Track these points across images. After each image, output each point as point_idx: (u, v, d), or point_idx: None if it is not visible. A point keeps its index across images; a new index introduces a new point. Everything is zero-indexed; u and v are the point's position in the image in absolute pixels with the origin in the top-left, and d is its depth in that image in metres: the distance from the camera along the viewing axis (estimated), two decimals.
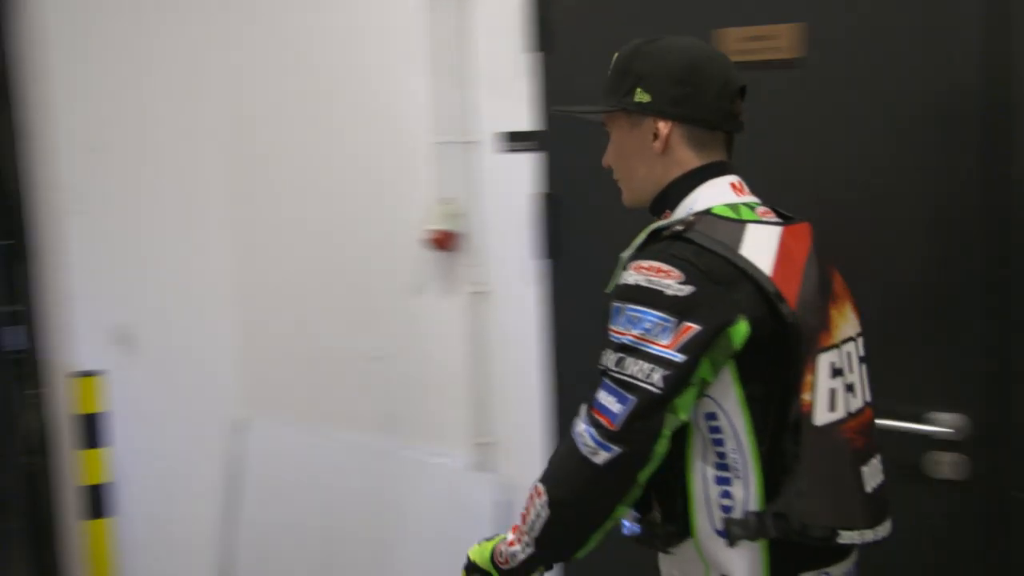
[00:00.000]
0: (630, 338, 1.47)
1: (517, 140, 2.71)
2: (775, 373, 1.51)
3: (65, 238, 3.50)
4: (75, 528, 3.55)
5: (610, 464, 1.44)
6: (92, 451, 3.36)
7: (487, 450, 2.89)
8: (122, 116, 3.45)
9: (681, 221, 1.55)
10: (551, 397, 2.74)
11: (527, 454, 2.75)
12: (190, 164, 3.45)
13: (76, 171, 3.47)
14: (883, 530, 1.57)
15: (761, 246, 1.52)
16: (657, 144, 1.62)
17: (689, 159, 1.62)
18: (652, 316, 1.46)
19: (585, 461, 1.46)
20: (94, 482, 3.38)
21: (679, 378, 1.45)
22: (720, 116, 1.62)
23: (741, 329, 1.46)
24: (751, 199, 1.65)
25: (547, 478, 1.52)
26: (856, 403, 1.59)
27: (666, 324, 1.45)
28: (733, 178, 1.65)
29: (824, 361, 1.53)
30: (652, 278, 1.48)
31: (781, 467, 1.50)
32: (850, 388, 1.58)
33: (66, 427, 3.50)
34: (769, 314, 1.48)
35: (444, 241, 2.84)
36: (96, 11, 3.41)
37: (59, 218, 3.48)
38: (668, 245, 1.52)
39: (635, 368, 1.46)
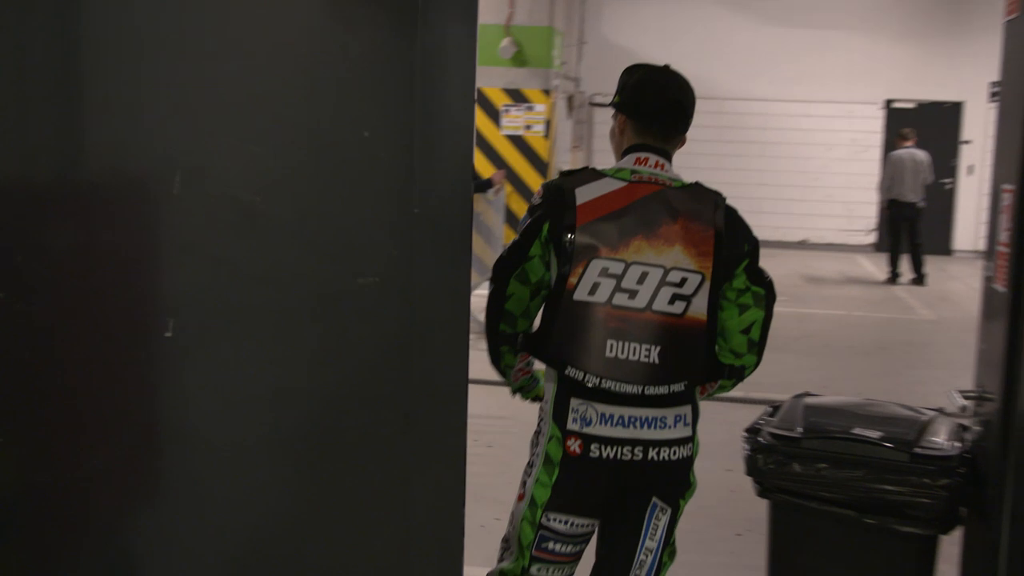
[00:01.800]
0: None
1: None
2: (561, 259, 2.50)
3: None
4: None
5: (491, 293, 2.63)
6: None
7: None
8: None
9: (573, 169, 2.68)
10: None
11: None
12: None
13: None
14: (621, 387, 2.46)
15: (593, 189, 2.51)
16: (619, 128, 2.72)
17: (629, 140, 2.68)
18: (525, 217, 2.60)
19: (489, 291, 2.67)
20: None
21: (517, 247, 2.59)
22: (647, 116, 2.67)
23: (546, 226, 2.53)
24: (642, 168, 2.59)
25: None
26: (630, 301, 2.46)
27: (524, 218, 2.59)
28: (644, 154, 2.62)
29: (597, 263, 2.46)
30: (535, 195, 2.63)
31: (551, 317, 2.53)
32: (624, 289, 2.46)
33: None
34: (563, 221, 2.49)
35: None
36: None
37: None
38: (554, 179, 2.66)
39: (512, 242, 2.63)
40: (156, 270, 1.79)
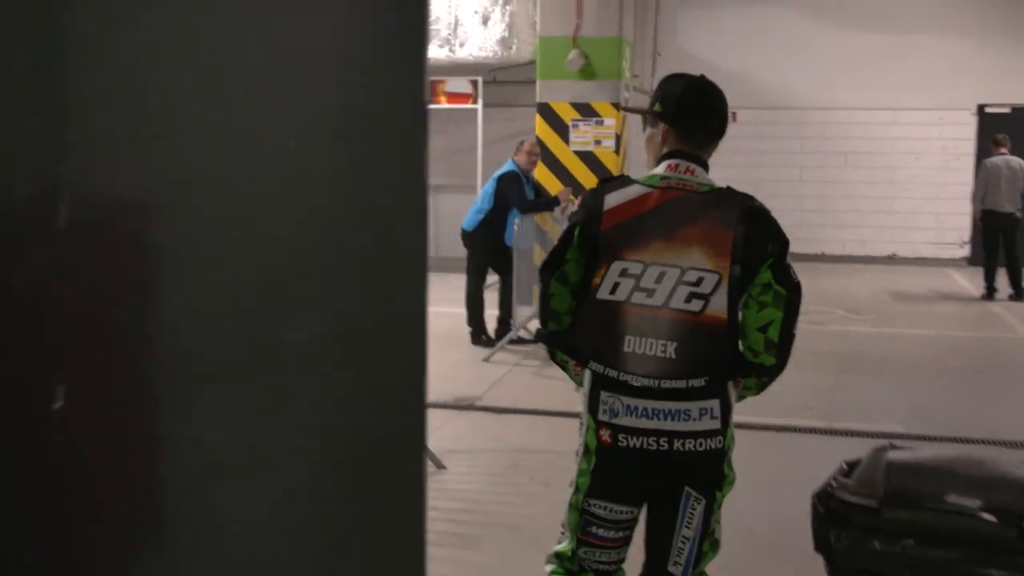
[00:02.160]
0: None
1: None
2: (589, 261, 2.71)
3: None
4: None
5: (541, 289, 2.84)
6: None
7: None
8: None
9: (609, 177, 2.92)
10: None
11: None
12: None
13: None
14: (639, 380, 2.61)
15: (621, 195, 2.71)
16: (660, 136, 2.89)
17: (669, 147, 2.86)
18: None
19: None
20: None
21: (555, 253, 2.81)
22: (686, 124, 2.86)
23: (577, 231, 2.76)
24: (673, 174, 2.75)
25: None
26: (647, 300, 2.62)
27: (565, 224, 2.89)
28: (675, 160, 2.78)
29: (617, 265, 2.64)
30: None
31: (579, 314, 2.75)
32: (643, 288, 2.62)
33: None
34: (591, 226, 2.71)
35: None
36: None
37: None
38: (594, 187, 2.88)
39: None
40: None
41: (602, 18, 10.85)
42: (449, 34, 12.42)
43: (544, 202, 9.78)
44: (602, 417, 2.65)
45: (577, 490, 2.78)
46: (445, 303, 9.80)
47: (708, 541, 2.70)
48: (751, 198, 2.77)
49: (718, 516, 2.73)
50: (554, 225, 10.40)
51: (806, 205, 15.66)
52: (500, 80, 14.25)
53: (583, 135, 11.02)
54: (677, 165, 2.77)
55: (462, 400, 7.65)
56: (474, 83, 12.29)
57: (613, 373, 2.63)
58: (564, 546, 2.85)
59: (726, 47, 15.64)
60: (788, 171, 15.77)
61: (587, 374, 2.70)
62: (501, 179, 9.29)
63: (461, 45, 12.38)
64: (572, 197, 10.80)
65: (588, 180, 11.01)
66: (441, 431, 6.81)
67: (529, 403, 7.48)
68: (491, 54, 12.29)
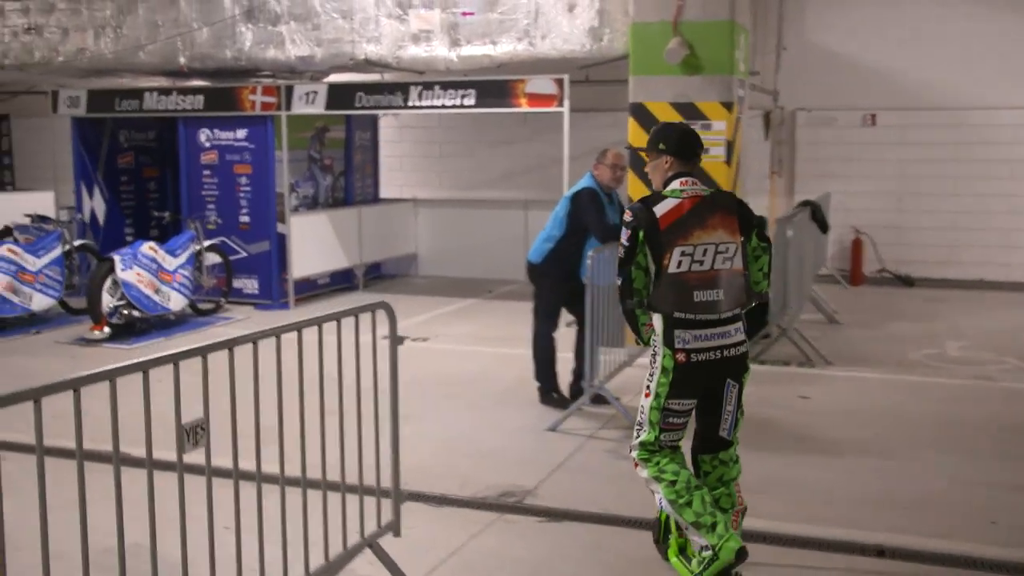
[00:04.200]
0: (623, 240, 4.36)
1: None
2: (655, 252, 4.24)
3: None
4: None
5: (620, 284, 4.39)
6: None
7: None
8: None
9: (644, 196, 4.41)
10: None
11: None
12: None
13: None
14: (709, 315, 4.23)
15: (664, 206, 4.25)
16: (666, 165, 4.45)
17: (672, 171, 4.44)
18: (623, 229, 4.32)
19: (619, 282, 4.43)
20: None
21: (628, 250, 4.30)
22: (685, 155, 4.45)
23: (641, 233, 4.24)
24: (685, 188, 4.32)
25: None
26: (701, 267, 4.23)
27: (624, 231, 4.30)
28: (684, 178, 4.37)
29: (677, 249, 4.20)
30: (624, 215, 4.36)
31: (655, 287, 4.30)
32: (697, 261, 4.22)
33: None
34: (652, 229, 4.22)
35: None
36: None
37: None
38: (636, 202, 4.38)
39: (620, 249, 4.35)
40: None
41: None
42: (528, 24, 10.50)
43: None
44: (678, 345, 4.21)
45: (657, 396, 4.30)
46: (523, 343, 7.90)
47: (740, 410, 4.41)
48: (733, 193, 5.12)
49: (744, 395, 4.41)
50: None
51: (961, 223, 13.21)
52: (593, 79, 12.29)
53: None
54: (686, 181, 4.38)
55: (508, 494, 5.72)
56: (559, 82, 10.36)
57: (691, 316, 4.21)
58: (646, 436, 4.39)
59: (863, 39, 13.35)
60: (938, 183, 13.34)
61: (659, 323, 4.28)
62: (576, 198, 7.28)
63: (543, 37, 10.45)
64: None
65: None
66: (467, 549, 4.92)
67: (596, 502, 5.51)
68: (578, 47, 10.32)
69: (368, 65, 11.38)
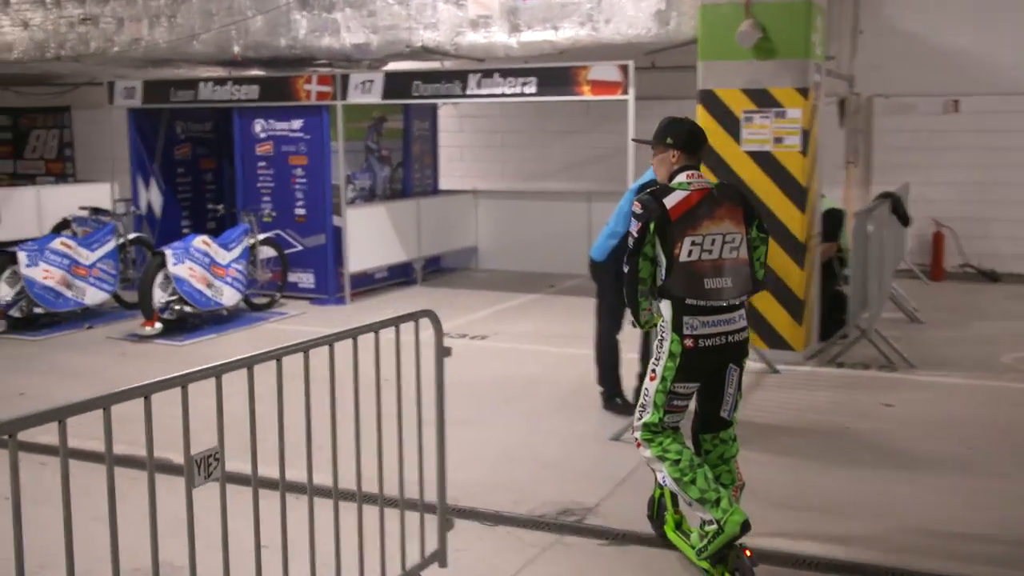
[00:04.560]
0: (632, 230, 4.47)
1: None
2: (666, 242, 4.35)
3: None
4: None
5: (627, 272, 4.48)
6: None
7: None
8: None
9: (654, 188, 4.55)
10: None
11: None
12: None
13: None
14: (719, 302, 4.37)
15: (673, 198, 4.37)
16: (673, 158, 4.58)
17: (678, 164, 4.56)
18: (632, 221, 4.44)
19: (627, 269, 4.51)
20: None
21: (638, 241, 4.39)
22: (691, 149, 4.58)
23: (652, 225, 4.35)
24: (692, 180, 4.47)
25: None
26: (710, 256, 4.35)
27: (634, 223, 4.41)
28: (690, 171, 4.51)
29: (687, 239, 4.32)
30: (633, 207, 4.45)
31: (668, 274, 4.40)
32: (707, 250, 4.35)
33: None
34: (663, 220, 4.33)
35: None
36: None
37: None
38: (644, 194, 4.46)
39: (630, 239, 4.45)
40: None
41: None
42: (592, 8, 10.03)
43: None
44: (687, 331, 4.35)
45: (663, 380, 4.45)
46: (585, 342, 7.51)
47: (739, 392, 4.60)
48: (733, 185, 4.95)
49: (742, 378, 4.60)
50: None
51: None
52: (659, 65, 11.77)
53: (758, 131, 8.45)
54: (692, 174, 4.52)
55: (567, 512, 5.31)
56: (623, 68, 9.87)
57: (702, 302, 4.35)
58: (649, 417, 4.53)
59: (945, 20, 12.62)
60: None
61: (667, 310, 4.41)
62: (639, 192, 6.82)
63: (607, 22, 9.98)
64: None
65: (763, 188, 8.45)
66: None
67: None
68: (644, 31, 9.83)
69: (425, 52, 11.00)
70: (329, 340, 3.57)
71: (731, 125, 8.54)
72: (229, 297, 10.42)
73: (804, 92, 8.34)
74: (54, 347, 9.63)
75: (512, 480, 5.84)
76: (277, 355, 3.32)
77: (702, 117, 8.59)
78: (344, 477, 3.77)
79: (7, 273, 10.14)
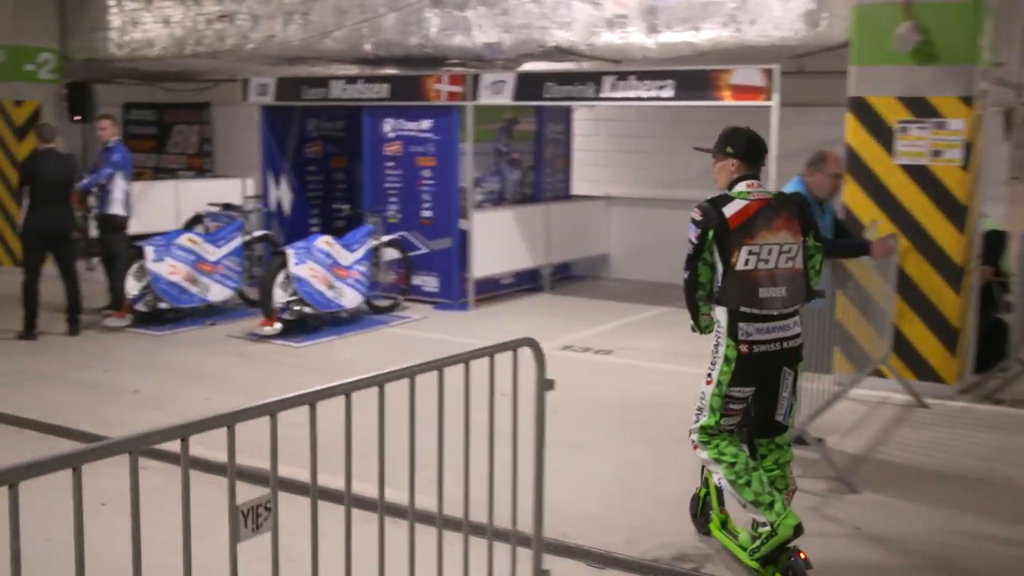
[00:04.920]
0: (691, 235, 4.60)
1: None
2: (724, 250, 4.46)
3: None
4: None
5: (687, 277, 4.63)
6: None
7: None
8: None
9: (714, 197, 4.58)
10: None
11: None
12: None
13: None
14: (772, 311, 4.46)
15: (732, 207, 4.47)
16: (732, 168, 4.68)
17: (737, 174, 4.66)
18: (691, 227, 4.54)
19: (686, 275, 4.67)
20: None
21: (697, 247, 4.53)
22: (751, 159, 4.68)
23: (711, 232, 4.47)
24: (751, 190, 4.54)
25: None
26: (766, 266, 4.44)
27: (693, 229, 4.53)
28: (749, 180, 4.61)
29: (745, 248, 4.43)
30: (693, 213, 4.54)
31: (723, 281, 4.52)
32: (763, 260, 4.43)
33: None
34: (721, 228, 4.44)
35: None
36: None
37: None
38: (705, 202, 4.56)
39: (689, 245, 4.57)
40: None
41: None
42: (735, 7, 9.44)
43: (848, 246, 6.68)
44: (742, 338, 4.45)
45: (719, 384, 4.54)
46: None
47: (794, 397, 4.67)
48: (792, 196, 4.83)
49: (800, 382, 4.73)
50: (871, 275, 7.28)
51: None
52: (807, 70, 11.08)
53: (915, 143, 7.75)
54: (752, 184, 4.61)
55: (684, 558, 4.84)
56: (768, 72, 9.26)
57: (756, 310, 4.45)
58: (706, 420, 4.62)
59: None
60: None
61: (723, 316, 4.51)
62: None
63: (751, 22, 9.38)
64: (879, 232, 7.72)
65: (918, 205, 7.75)
66: None
67: None
68: (791, 33, 9.19)
69: (558, 52, 10.59)
70: (411, 372, 3.20)
71: (884, 136, 7.85)
72: (350, 299, 10.23)
73: (969, 101, 7.61)
74: (175, 343, 9.61)
75: (624, 516, 5.38)
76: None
77: (851, 127, 7.94)
78: (446, 504, 3.45)
79: (135, 267, 10.18)
